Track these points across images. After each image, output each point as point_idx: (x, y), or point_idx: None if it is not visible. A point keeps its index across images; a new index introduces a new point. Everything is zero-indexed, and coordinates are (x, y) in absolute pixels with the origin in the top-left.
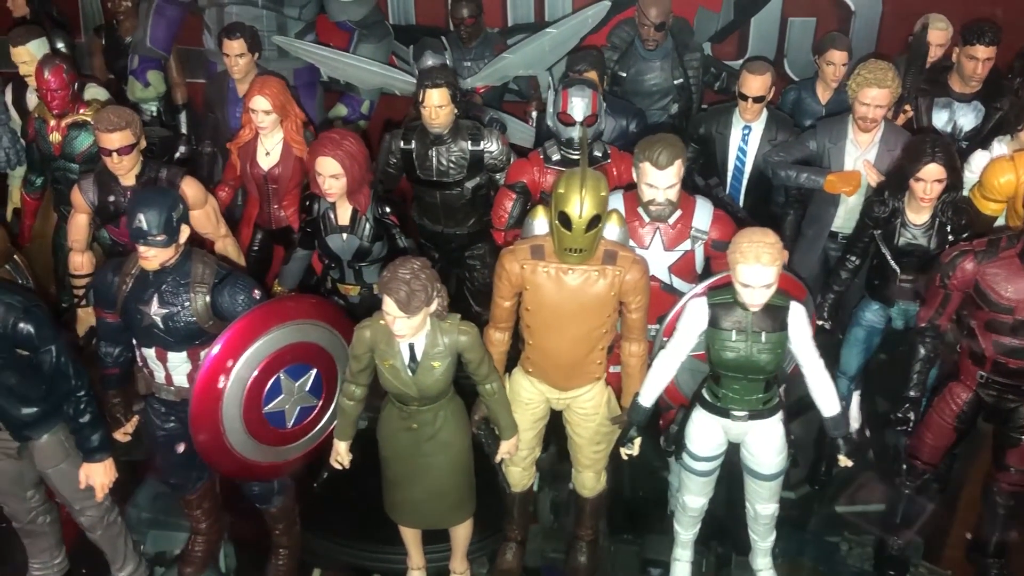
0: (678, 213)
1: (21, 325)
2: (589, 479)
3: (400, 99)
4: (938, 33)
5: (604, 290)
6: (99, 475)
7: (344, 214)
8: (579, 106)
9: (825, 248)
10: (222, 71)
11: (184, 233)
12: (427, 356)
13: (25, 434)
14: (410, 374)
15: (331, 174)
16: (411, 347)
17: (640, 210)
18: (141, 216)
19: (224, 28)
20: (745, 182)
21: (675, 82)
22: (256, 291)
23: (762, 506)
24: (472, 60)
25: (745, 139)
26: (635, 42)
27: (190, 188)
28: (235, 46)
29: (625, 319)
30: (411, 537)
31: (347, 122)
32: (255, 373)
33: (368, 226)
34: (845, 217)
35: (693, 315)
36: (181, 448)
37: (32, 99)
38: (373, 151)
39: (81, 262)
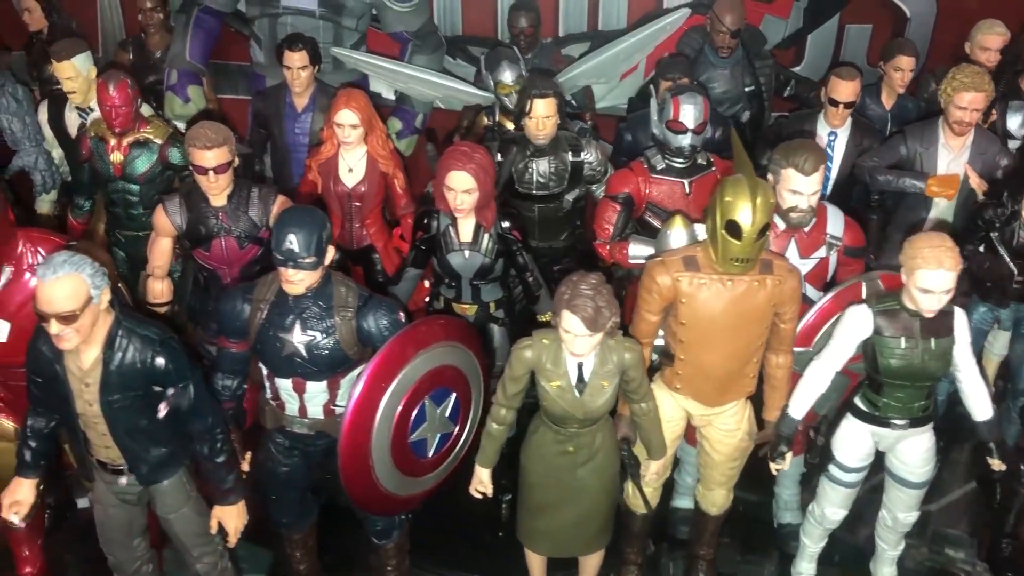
0: (812, 220)
1: (159, 360)
2: (720, 497)
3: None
4: (994, 38)
5: (764, 300)
6: (233, 518)
7: (466, 230)
8: (691, 113)
9: None
10: (276, 85)
11: (330, 254)
12: (596, 375)
13: (152, 478)
14: (577, 395)
15: (464, 189)
16: (579, 366)
17: (776, 218)
18: (292, 237)
19: (286, 39)
20: (830, 187)
21: (746, 89)
22: (400, 313)
23: (905, 514)
24: (529, 71)
25: (831, 145)
26: (705, 49)
27: (281, 208)
28: (297, 58)
29: (775, 329)
30: (539, 565)
31: (400, 136)
32: (403, 401)
33: (491, 242)
34: (936, 221)
35: (855, 324)
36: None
37: (72, 117)
38: (421, 166)
39: (161, 290)
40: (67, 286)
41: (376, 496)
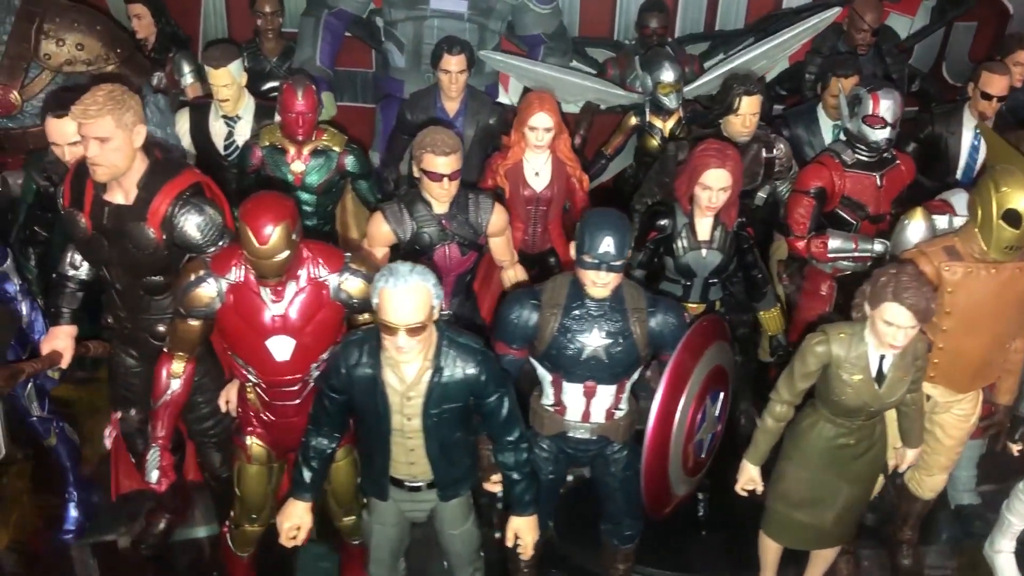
0: None
1: (480, 371)
2: (940, 482)
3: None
4: None
5: None
6: (532, 530)
7: (704, 229)
8: (890, 108)
9: None
10: (423, 90)
11: (627, 256)
12: (895, 368)
13: (451, 493)
14: (877, 387)
15: (721, 187)
16: (880, 359)
17: None
18: (609, 240)
19: (445, 42)
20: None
21: None
22: (685, 313)
23: None
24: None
25: (979, 138)
26: (839, 47)
27: (498, 214)
28: (456, 61)
29: None
30: (774, 559)
31: None
32: (692, 405)
33: (729, 240)
34: None
35: None
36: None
37: (218, 126)
38: None
39: None
40: (417, 297)
41: (666, 499)
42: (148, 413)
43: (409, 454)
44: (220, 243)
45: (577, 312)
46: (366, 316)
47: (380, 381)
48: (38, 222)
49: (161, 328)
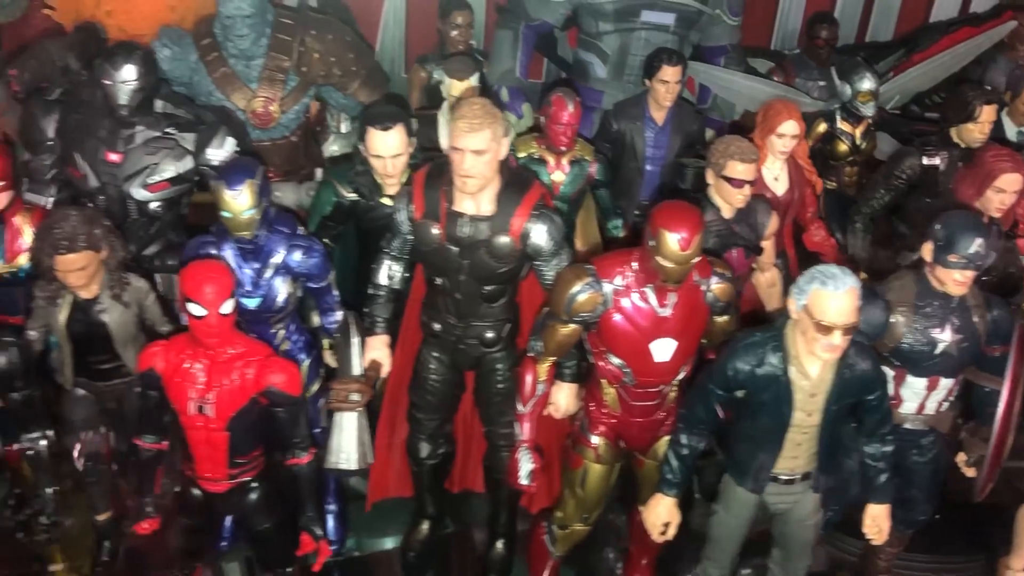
0: None
1: (872, 367)
2: None
3: None
4: None
5: None
6: (888, 519)
7: None
8: None
9: None
10: (630, 99)
11: None
12: None
13: (823, 484)
14: None
15: (1016, 189)
16: None
17: None
18: (980, 241)
19: (663, 53)
20: None
21: None
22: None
23: None
24: (827, 80)
25: None
26: (996, 58)
27: (775, 218)
28: (675, 72)
29: None
30: None
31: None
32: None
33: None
34: None
35: None
36: None
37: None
38: None
39: None
40: (853, 298)
41: (993, 483)
42: (443, 419)
43: (796, 448)
44: (561, 251)
45: (927, 309)
46: (724, 319)
47: (787, 379)
48: (328, 233)
49: (490, 335)
